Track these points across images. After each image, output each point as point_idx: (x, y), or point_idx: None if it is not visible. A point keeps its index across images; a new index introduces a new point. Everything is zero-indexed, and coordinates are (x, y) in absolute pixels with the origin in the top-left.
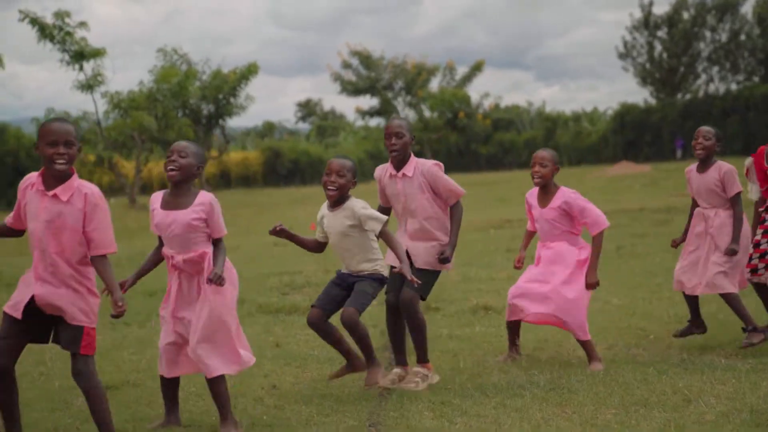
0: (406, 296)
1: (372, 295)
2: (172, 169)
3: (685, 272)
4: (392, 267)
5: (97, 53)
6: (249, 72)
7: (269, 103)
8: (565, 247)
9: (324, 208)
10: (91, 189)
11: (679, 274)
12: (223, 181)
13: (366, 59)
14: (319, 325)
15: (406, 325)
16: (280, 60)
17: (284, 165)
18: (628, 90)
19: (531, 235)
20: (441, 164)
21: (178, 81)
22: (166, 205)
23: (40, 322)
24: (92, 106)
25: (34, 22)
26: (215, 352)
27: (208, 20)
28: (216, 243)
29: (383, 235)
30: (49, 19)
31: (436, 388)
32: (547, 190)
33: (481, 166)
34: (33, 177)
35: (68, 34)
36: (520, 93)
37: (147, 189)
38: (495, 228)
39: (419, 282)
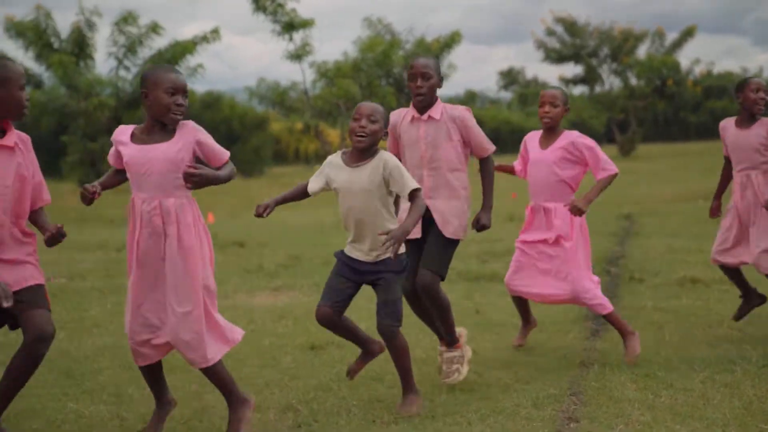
0: (425, 280)
1: (401, 296)
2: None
3: (722, 252)
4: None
5: (306, 24)
6: (452, 41)
7: (472, 72)
8: (561, 220)
9: (336, 161)
10: (23, 134)
11: (716, 253)
12: None
13: (571, 26)
14: (333, 323)
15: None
16: (483, 28)
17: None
18: None
19: (512, 170)
20: (470, 109)
21: (383, 50)
22: (140, 140)
23: None
24: (300, 75)
25: None
26: (206, 334)
27: None
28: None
29: (414, 199)
30: None
31: (639, 360)
32: (551, 132)
33: (690, 135)
34: None
35: (280, 5)
36: (734, 59)
37: None
38: (703, 199)
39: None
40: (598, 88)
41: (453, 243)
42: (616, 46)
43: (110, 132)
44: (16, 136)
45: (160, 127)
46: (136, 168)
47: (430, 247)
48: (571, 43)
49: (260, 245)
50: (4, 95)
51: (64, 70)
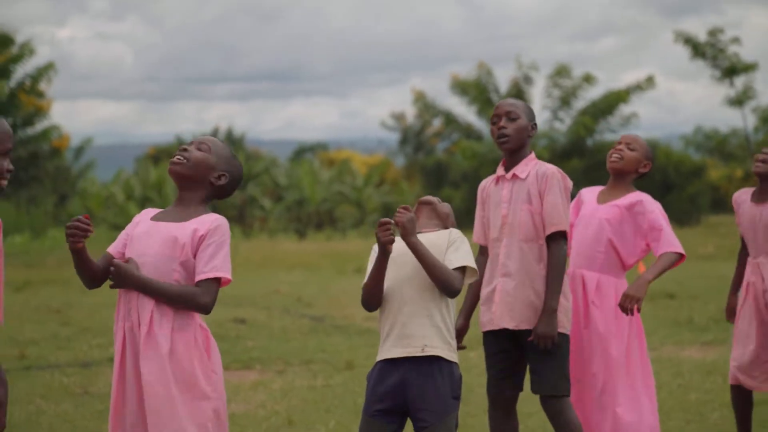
0: (552, 409)
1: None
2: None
3: (741, 368)
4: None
5: (749, 68)
6: None
7: None
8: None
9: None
10: None
11: (735, 369)
12: None
13: None
14: None
15: None
16: None
17: None
18: None
19: None
20: (566, 176)
21: None
22: (164, 215)
23: None
24: (741, 121)
25: (688, 41)
26: None
27: None
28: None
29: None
30: (702, 38)
31: None
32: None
33: None
34: None
35: (720, 50)
36: None
37: None
38: None
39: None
40: None
41: (557, 344)
42: None
43: None
44: None
45: (184, 201)
46: (131, 246)
47: (532, 363)
48: None
49: (691, 297)
50: None
51: None
